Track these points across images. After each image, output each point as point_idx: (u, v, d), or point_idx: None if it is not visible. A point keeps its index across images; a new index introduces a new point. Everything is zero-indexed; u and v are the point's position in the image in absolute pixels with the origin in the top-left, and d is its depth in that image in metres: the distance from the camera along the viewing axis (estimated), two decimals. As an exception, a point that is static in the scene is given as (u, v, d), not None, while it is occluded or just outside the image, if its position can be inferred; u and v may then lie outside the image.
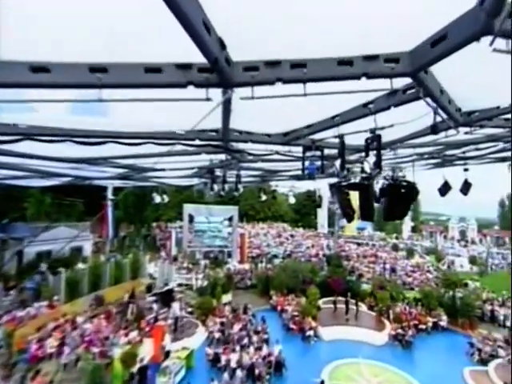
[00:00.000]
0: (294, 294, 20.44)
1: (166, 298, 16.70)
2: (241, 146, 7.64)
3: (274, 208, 55.02)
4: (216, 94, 3.81)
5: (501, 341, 15.25)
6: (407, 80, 3.90)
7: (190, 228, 29.90)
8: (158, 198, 17.88)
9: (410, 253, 35.62)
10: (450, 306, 19.17)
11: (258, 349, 13.09)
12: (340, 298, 19.10)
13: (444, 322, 18.14)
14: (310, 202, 52.08)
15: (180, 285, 22.54)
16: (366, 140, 5.30)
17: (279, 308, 19.46)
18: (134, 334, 12.89)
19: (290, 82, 3.59)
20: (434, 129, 4.93)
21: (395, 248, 39.29)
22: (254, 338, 14.39)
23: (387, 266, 28.19)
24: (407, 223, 62.60)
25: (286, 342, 15.29)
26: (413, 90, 4.41)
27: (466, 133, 6.22)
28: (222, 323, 16.47)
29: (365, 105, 5.33)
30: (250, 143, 7.15)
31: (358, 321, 17.32)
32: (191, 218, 29.63)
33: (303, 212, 53.37)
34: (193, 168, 13.40)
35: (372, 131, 5.25)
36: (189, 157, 8.50)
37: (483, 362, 14.13)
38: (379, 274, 26.46)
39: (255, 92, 3.73)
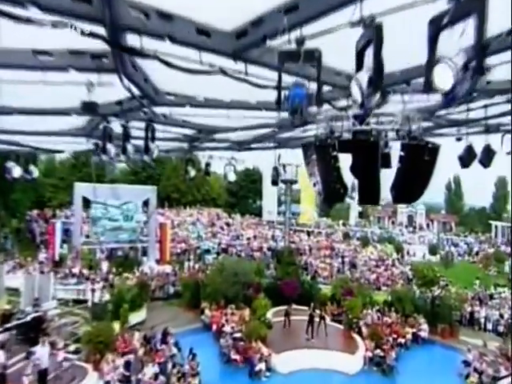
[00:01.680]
0: (235, 304, 17.76)
1: (30, 334, 11.69)
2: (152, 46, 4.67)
3: (205, 189, 51.76)
4: None
5: (496, 354, 13.77)
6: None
7: (86, 217, 24.43)
8: (17, 171, 12.67)
9: (365, 242, 35.03)
10: (427, 311, 18.04)
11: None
12: (296, 307, 17.31)
13: (425, 332, 16.79)
14: (248, 183, 49.38)
15: (65, 303, 17.31)
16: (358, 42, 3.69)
17: (215, 327, 16.39)
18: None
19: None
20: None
21: (347, 236, 38.76)
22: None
23: (346, 260, 27.48)
24: (354, 208, 64.06)
25: (225, 381, 12.98)
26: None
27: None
28: (126, 364, 12.11)
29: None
30: (167, 41, 4.51)
31: (322, 340, 15.20)
32: (87, 203, 24.09)
33: (241, 195, 50.68)
34: (68, 112, 8.72)
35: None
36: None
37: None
38: (338, 270, 25.61)
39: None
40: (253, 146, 19.17)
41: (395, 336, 15.94)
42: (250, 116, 10.65)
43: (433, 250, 32.95)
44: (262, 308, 16.08)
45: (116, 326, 15.16)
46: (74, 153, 45.84)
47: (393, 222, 62.06)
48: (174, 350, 13.60)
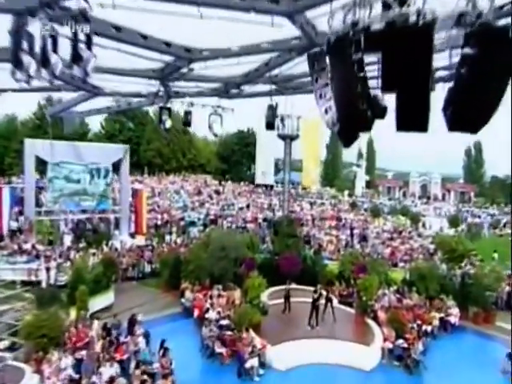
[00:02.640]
0: (223, 284, 16.34)
1: None
2: None
3: (191, 154, 49.69)
4: None
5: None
6: None
7: (43, 181, 22.05)
8: None
9: (376, 213, 33.21)
10: (456, 292, 16.36)
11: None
12: (297, 287, 16.38)
13: (455, 317, 15.00)
14: (241, 147, 47.09)
15: (10, 285, 15.21)
16: None
17: (197, 313, 14.67)
18: None
19: None
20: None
21: (354, 206, 37.03)
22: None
23: (356, 232, 25.93)
24: (361, 177, 62.26)
25: (207, 381, 11.45)
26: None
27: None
28: (77, 364, 10.04)
29: None
30: None
31: (329, 327, 13.64)
32: (43, 165, 21.65)
33: (233, 160, 48.35)
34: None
35: None
36: None
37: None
38: (346, 244, 23.98)
39: None
40: (244, 91, 16.69)
41: (419, 322, 14.09)
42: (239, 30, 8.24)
43: (454, 222, 31.04)
44: (255, 289, 14.23)
45: (72, 313, 13.14)
46: (37, 112, 43.21)
47: (404, 194, 60.35)
48: (141, 344, 11.51)
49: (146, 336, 12.30)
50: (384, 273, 17.46)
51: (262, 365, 11.89)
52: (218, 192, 34.68)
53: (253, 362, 11.49)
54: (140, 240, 22.79)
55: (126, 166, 24.09)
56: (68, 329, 11.82)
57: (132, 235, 23.71)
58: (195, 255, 17.50)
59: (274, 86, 14.03)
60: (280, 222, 20.96)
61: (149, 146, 48.06)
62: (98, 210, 23.69)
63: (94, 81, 12.79)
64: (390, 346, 12.79)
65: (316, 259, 19.59)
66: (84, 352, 10.93)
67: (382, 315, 14.29)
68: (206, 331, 12.88)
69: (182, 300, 16.03)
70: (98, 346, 11.18)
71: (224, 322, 13.45)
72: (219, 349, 12.25)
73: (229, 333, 12.76)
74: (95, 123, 50.52)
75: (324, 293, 14.07)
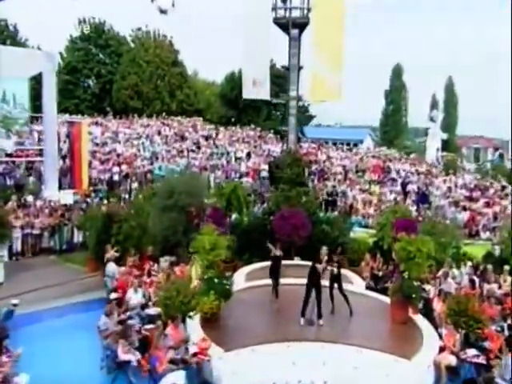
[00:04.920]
0: (177, 255, 14.88)
1: None
2: None
3: (183, 95, 48.18)
4: None
5: None
6: None
7: None
8: None
9: (450, 166, 31.33)
10: None
11: None
12: (298, 262, 15.43)
13: None
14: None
15: None
16: None
17: (116, 295, 12.58)
18: None
19: None
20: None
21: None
22: None
23: (412, 188, 24.30)
24: (436, 135, 57.03)
25: None
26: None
27: None
28: None
29: None
30: None
31: (342, 324, 11.78)
32: None
33: (245, 103, 45.85)
34: None
35: None
36: None
37: None
38: (395, 203, 22.10)
39: None
40: None
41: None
42: None
43: None
44: (205, 253, 11.15)
45: None
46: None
47: (501, 156, 57.10)
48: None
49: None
50: (452, 241, 15.82)
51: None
52: (207, 138, 33.43)
53: (176, 379, 8.19)
54: (67, 195, 21.44)
55: (50, 86, 21.91)
56: None
57: (62, 190, 22.54)
58: (135, 209, 16.70)
59: None
60: (278, 162, 19.20)
61: (124, 81, 46.01)
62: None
63: None
64: (453, 360, 9.97)
65: (336, 222, 17.76)
66: None
67: (440, 308, 12.20)
68: (108, 323, 9.94)
69: (105, 278, 14.29)
70: None
71: (151, 311, 11.29)
72: (125, 355, 9.22)
73: (150, 326, 10.28)
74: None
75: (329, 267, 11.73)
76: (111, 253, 14.51)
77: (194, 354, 8.98)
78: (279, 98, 22.54)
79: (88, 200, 21.70)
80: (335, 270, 11.88)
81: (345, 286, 12.92)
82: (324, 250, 11.55)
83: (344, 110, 64.56)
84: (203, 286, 11.26)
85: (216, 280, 11.23)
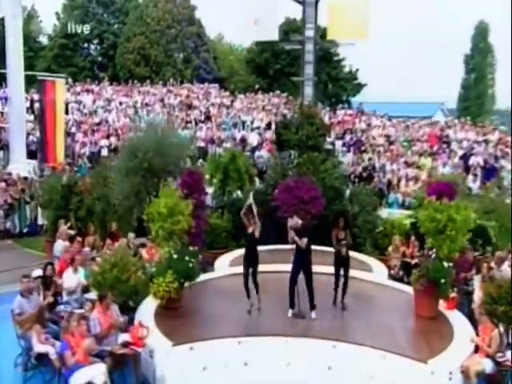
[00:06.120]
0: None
1: None
2: None
3: (199, 59, 48.34)
4: None
5: None
6: None
7: None
8: None
9: None
10: None
11: None
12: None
13: None
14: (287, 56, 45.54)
15: None
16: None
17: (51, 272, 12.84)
18: None
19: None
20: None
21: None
22: None
23: (476, 162, 23.88)
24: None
25: None
26: None
27: None
28: None
29: None
30: None
31: (345, 319, 11.62)
32: None
33: (275, 70, 46.56)
34: None
35: None
36: None
37: None
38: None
39: None
40: None
41: None
42: None
43: None
44: (163, 220, 10.95)
45: None
46: None
47: None
48: None
49: None
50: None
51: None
52: (220, 105, 33.33)
53: (93, 376, 7.80)
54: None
55: (15, 34, 22.12)
56: None
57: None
58: (100, 178, 16.59)
59: None
60: (287, 122, 18.53)
61: (129, 43, 46.21)
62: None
63: None
64: (487, 365, 9.32)
65: (359, 196, 17.25)
66: None
67: (477, 298, 11.86)
68: (24, 305, 9.65)
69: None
70: None
71: (91, 295, 10.99)
72: (40, 345, 8.92)
73: (79, 311, 9.93)
74: (48, 13, 50.16)
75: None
76: (62, 228, 14.45)
77: (125, 345, 8.45)
78: (291, 43, 21.92)
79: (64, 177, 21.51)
80: (344, 250, 11.37)
81: (363, 274, 13.11)
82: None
83: (410, 85, 62.58)
84: (162, 266, 10.86)
85: (176, 256, 10.75)
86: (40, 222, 19.34)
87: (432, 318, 11.23)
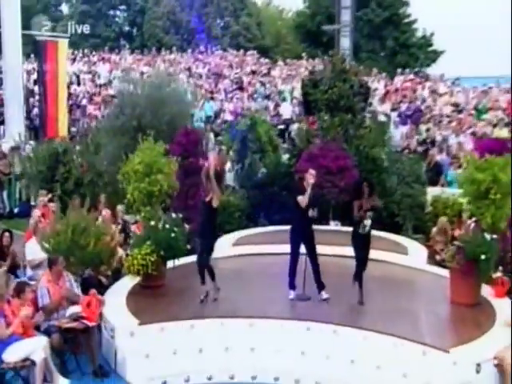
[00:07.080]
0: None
1: None
2: None
3: (241, 25, 48.88)
4: None
5: None
6: None
7: None
8: None
9: None
10: None
11: None
12: (328, 228, 15.94)
13: None
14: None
15: None
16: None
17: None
18: None
19: None
20: None
21: None
22: None
23: None
24: None
25: None
26: None
27: None
28: None
29: None
30: None
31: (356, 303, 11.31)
32: None
33: (333, 36, 44.92)
34: None
35: None
36: None
37: None
38: None
39: None
40: None
41: None
42: None
43: None
44: (140, 180, 10.88)
45: None
46: None
47: None
48: None
49: None
50: None
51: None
52: (255, 72, 33.51)
53: (30, 351, 7.82)
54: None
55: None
56: None
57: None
58: (90, 144, 17.13)
59: None
60: (316, 79, 17.85)
61: (157, 9, 47.10)
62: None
63: None
64: None
65: (401, 167, 17.33)
66: None
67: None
68: None
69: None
70: None
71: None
72: None
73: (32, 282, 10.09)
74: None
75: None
76: (40, 198, 14.65)
77: (75, 319, 8.29)
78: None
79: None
80: (367, 224, 10.69)
81: (396, 257, 13.13)
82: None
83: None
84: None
85: (155, 223, 10.53)
86: (33, 202, 18.96)
87: (471, 305, 10.72)
